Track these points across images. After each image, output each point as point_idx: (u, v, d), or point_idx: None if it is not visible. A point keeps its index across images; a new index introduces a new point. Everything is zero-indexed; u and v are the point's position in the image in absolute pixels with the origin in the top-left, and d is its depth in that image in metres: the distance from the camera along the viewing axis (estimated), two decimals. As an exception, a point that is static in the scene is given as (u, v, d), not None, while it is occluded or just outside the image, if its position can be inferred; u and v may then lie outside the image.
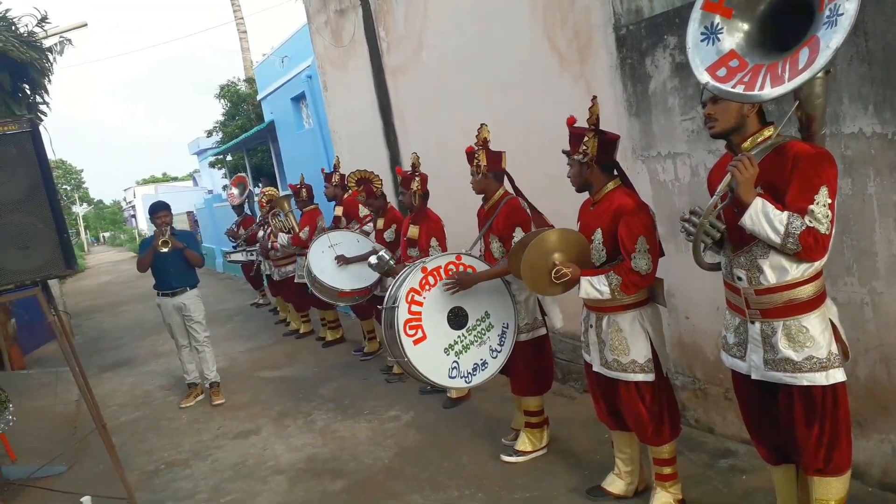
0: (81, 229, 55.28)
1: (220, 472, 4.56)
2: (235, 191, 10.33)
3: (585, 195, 3.22)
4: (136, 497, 4.11)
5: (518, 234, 3.73)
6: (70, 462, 5.09)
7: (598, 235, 3.01)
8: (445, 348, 3.73)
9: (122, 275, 22.15)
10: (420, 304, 3.72)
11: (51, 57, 6.32)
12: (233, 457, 4.80)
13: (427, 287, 3.75)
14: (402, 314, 3.67)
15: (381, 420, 5.02)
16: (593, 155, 2.98)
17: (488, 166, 3.84)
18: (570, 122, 3.11)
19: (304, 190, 7.31)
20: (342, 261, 5.92)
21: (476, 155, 3.84)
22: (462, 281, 3.72)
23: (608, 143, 3.03)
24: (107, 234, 67.08)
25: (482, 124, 3.84)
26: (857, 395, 3.00)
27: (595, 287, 2.93)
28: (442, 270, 3.79)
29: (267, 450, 4.82)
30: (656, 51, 3.75)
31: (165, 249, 5.70)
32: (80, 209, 58.10)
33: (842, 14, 1.81)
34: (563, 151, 3.17)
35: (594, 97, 3.06)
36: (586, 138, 2.99)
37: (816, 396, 2.31)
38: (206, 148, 21.10)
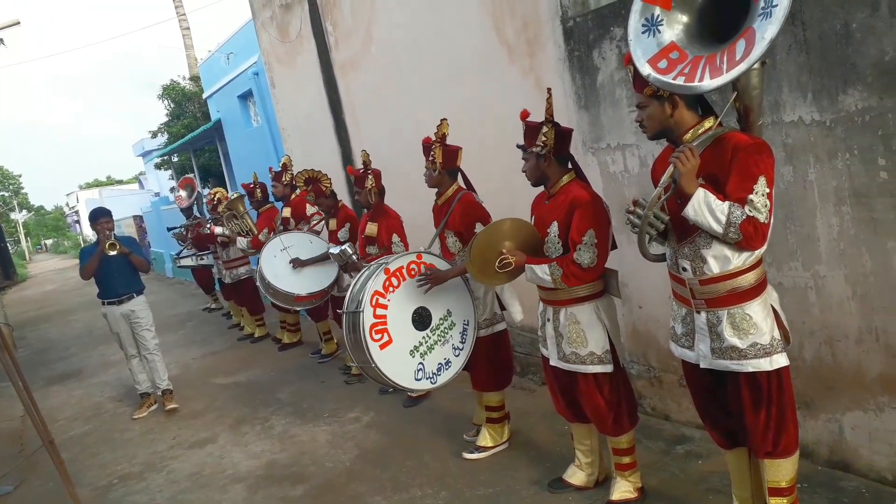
0: (22, 237, 53.28)
1: (177, 484, 4.44)
2: (183, 193, 10.08)
3: (539, 188, 3.22)
4: (88, 514, 3.98)
5: (479, 230, 3.71)
6: (17, 481, 4.89)
7: (554, 228, 3.00)
8: (411, 350, 3.68)
9: (68, 283, 21.39)
10: (385, 306, 3.64)
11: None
12: (189, 467, 4.68)
13: (391, 289, 3.67)
14: (368, 318, 3.57)
15: (341, 422, 4.96)
16: (552, 146, 2.99)
17: (444, 163, 3.83)
18: (524, 115, 3.10)
19: (258, 189, 7.13)
20: (297, 264, 5.81)
21: (433, 150, 3.81)
22: (436, 277, 3.67)
23: (564, 134, 3.05)
24: (49, 242, 64.82)
25: (443, 119, 3.82)
26: (803, 377, 3.09)
27: (538, 274, 2.97)
28: (404, 271, 3.73)
29: (224, 458, 4.72)
30: (603, 43, 3.78)
31: (114, 252, 5.50)
32: (19, 216, 55.97)
33: (776, 6, 1.85)
34: (518, 146, 3.15)
35: (549, 90, 3.06)
36: (545, 129, 2.99)
37: (762, 382, 2.37)
38: (152, 149, 20.55)
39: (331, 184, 5.50)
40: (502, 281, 3.14)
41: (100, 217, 5.69)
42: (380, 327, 3.61)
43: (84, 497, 4.24)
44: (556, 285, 2.94)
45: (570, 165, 3.11)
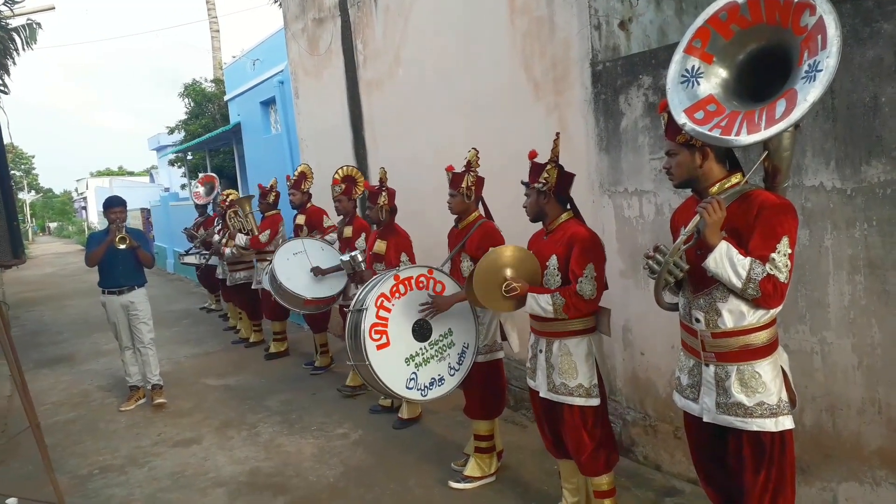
0: (27, 217, 53.35)
1: (157, 481, 4.39)
2: (202, 189, 10.09)
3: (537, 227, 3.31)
4: (66, 502, 3.92)
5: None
6: (-4, 461, 4.85)
7: (554, 261, 3.07)
8: (406, 358, 3.74)
9: (68, 267, 21.41)
10: (388, 310, 3.74)
11: (17, 38, 6.13)
12: (171, 465, 4.63)
13: (397, 295, 3.77)
14: (370, 318, 3.67)
15: (329, 437, 4.92)
16: (552, 184, 3.10)
17: (476, 191, 3.91)
18: (532, 155, 3.23)
19: (273, 194, 7.19)
20: (318, 272, 5.83)
21: (466, 178, 3.87)
22: (439, 304, 3.75)
23: (567, 176, 3.17)
24: (53, 225, 64.81)
25: (474, 149, 3.90)
26: (802, 442, 3.06)
27: (540, 304, 3.02)
28: (413, 281, 3.82)
29: (208, 460, 4.67)
30: (630, 89, 3.83)
31: (123, 246, 5.52)
32: (27, 196, 56.14)
33: (821, 70, 1.87)
34: (523, 182, 3.26)
35: (557, 133, 3.23)
36: (549, 166, 3.12)
37: (765, 442, 2.35)
38: (167, 145, 20.68)
39: (363, 190, 5.54)
40: (508, 307, 3.17)
41: (114, 206, 5.71)
42: (380, 328, 3.70)
43: (63, 484, 4.18)
44: (556, 315, 3.00)
45: (568, 206, 3.20)
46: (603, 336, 3.17)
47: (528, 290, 3.06)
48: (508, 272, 3.10)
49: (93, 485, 4.42)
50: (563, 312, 2.97)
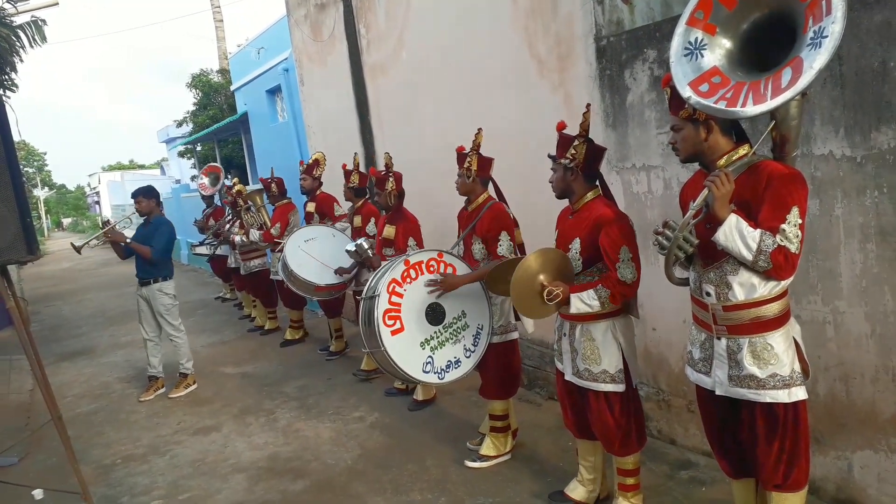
0: (42, 214, 53.85)
1: (179, 469, 4.47)
2: (206, 180, 10.13)
3: (559, 202, 3.22)
4: (91, 491, 4.01)
5: (504, 239, 3.76)
6: (22, 454, 4.94)
7: (576, 244, 3.00)
8: (422, 342, 3.76)
9: (84, 262, 21.60)
10: (400, 295, 3.76)
11: (22, 35, 6.17)
12: (192, 453, 4.71)
13: (408, 280, 3.79)
14: (383, 304, 3.70)
15: (346, 420, 4.98)
16: (580, 161, 2.98)
17: (478, 171, 3.87)
18: (560, 127, 3.09)
19: (273, 184, 7.21)
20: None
21: (469, 158, 3.85)
22: (446, 283, 3.75)
23: (596, 151, 3.04)
24: (68, 220, 65.34)
25: (479, 129, 3.87)
26: (815, 412, 3.06)
27: (585, 302, 2.89)
28: (424, 266, 3.83)
29: (227, 447, 4.75)
30: (635, 63, 3.79)
31: (78, 244, 5.91)
32: (41, 193, 56.62)
33: (826, 36, 1.85)
34: (550, 156, 3.14)
35: (588, 105, 3.06)
36: (576, 142, 2.99)
37: (778, 413, 2.35)
38: (176, 136, 20.75)
39: (371, 180, 5.55)
40: (553, 311, 3.05)
41: (134, 196, 6.03)
42: (393, 313, 3.72)
43: (87, 475, 4.26)
44: (604, 308, 2.89)
45: (597, 183, 3.09)
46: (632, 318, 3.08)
47: (571, 290, 2.92)
48: (542, 278, 2.96)
49: (116, 474, 4.50)
50: (610, 303, 2.87)
